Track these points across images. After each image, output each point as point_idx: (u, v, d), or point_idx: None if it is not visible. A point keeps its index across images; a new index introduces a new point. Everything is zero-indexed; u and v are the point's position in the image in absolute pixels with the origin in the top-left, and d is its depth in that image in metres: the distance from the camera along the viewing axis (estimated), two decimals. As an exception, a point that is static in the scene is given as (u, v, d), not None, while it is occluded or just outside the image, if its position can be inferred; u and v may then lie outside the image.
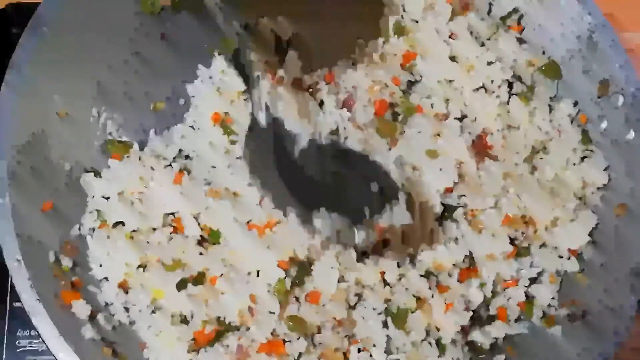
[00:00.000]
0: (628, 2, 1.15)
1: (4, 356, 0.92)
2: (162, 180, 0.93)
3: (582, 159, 0.97)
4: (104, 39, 0.93)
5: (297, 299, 0.90)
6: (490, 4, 1.02)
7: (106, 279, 0.89)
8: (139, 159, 0.95)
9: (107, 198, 0.92)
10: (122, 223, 0.91)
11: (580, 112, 0.98)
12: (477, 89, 0.99)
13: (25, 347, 0.93)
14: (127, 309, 0.89)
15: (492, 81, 0.99)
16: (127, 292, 0.89)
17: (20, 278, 0.79)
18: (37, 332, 0.78)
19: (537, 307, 0.94)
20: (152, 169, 0.94)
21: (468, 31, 1.00)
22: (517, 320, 0.94)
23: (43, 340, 0.78)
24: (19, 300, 0.79)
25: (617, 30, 0.95)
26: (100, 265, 0.89)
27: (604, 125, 0.95)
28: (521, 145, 0.98)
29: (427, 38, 1.00)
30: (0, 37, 1.00)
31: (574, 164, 0.96)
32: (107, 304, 0.88)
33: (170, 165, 0.95)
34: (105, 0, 0.92)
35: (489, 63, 0.99)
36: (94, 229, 0.91)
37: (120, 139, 0.96)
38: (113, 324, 0.86)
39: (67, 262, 0.86)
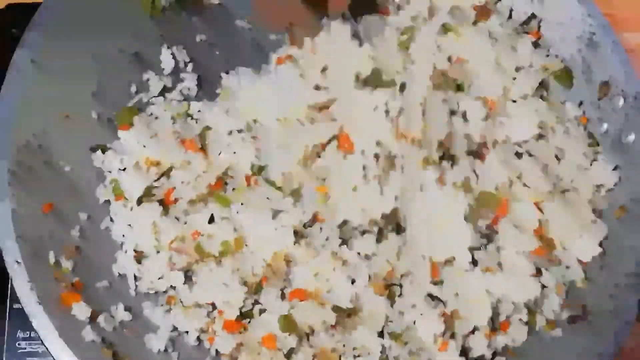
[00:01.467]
0: (628, 2, 1.15)
1: (4, 358, 0.92)
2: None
3: (591, 162, 0.95)
4: (104, 39, 0.93)
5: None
6: (511, 10, 1.01)
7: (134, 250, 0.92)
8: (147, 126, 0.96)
9: (123, 169, 0.94)
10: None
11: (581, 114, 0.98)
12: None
13: (25, 349, 0.93)
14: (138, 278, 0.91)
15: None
16: (140, 262, 0.91)
17: (20, 280, 0.79)
18: (37, 334, 0.78)
19: (542, 317, 0.92)
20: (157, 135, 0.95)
21: (491, 38, 0.99)
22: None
23: (43, 342, 0.78)
24: (19, 302, 0.79)
25: (617, 30, 0.95)
26: (124, 236, 0.92)
27: (604, 126, 0.95)
28: (551, 156, 0.95)
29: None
30: (0, 37, 1.00)
31: (585, 169, 0.95)
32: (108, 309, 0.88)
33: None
34: (106, 0, 0.92)
35: (517, 69, 0.98)
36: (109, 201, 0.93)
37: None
38: (113, 325, 0.86)
39: (67, 264, 0.85)
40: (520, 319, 0.91)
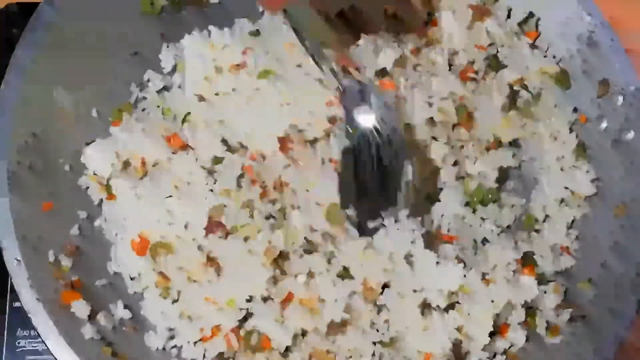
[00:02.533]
0: (628, 2, 1.15)
1: (3, 356, 0.92)
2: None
3: (573, 167, 0.97)
4: (104, 39, 0.93)
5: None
6: (510, 9, 1.02)
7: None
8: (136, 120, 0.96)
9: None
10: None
11: (580, 114, 0.98)
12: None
13: (25, 347, 0.93)
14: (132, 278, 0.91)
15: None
16: None
17: (19, 278, 0.79)
18: (37, 332, 0.78)
19: (541, 319, 0.92)
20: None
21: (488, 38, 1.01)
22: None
23: (43, 340, 0.78)
24: (19, 300, 0.79)
25: (617, 30, 0.95)
26: (116, 234, 0.92)
27: (603, 125, 0.95)
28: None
29: None
30: (0, 37, 1.00)
31: (562, 169, 0.98)
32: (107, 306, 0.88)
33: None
34: (105, 0, 0.92)
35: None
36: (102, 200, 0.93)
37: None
38: (113, 323, 0.86)
39: (66, 262, 0.86)
40: (518, 323, 0.91)
